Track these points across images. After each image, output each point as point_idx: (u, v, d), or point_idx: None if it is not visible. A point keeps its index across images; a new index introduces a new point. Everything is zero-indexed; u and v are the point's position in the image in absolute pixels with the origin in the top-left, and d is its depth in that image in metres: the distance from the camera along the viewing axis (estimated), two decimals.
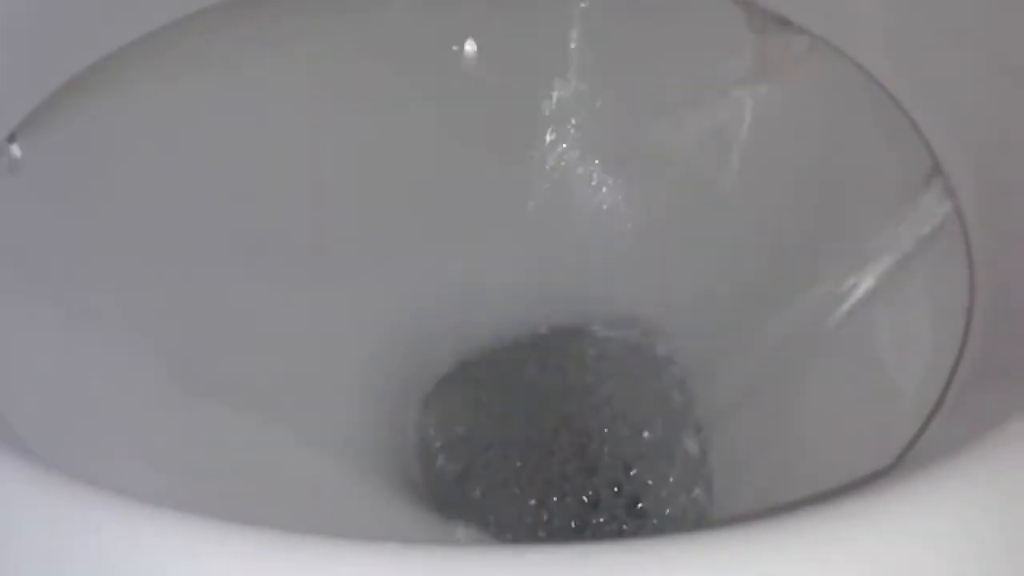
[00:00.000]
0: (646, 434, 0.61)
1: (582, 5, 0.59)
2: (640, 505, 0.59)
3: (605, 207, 0.64)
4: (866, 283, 0.50)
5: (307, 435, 0.51)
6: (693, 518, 0.58)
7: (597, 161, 0.63)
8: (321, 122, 0.57)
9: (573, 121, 0.62)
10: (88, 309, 0.45)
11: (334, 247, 0.58)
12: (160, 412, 0.46)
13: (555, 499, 0.59)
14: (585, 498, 0.59)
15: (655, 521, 0.58)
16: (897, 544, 0.23)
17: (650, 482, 0.60)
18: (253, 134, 0.54)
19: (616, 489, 0.59)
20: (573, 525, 0.58)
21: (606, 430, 0.62)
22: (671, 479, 0.59)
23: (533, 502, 0.59)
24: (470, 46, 0.59)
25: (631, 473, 0.60)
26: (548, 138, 0.62)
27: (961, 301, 0.41)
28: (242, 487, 0.45)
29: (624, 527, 0.58)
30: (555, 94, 0.61)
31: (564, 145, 0.63)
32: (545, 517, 0.59)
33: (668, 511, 0.58)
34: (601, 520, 0.59)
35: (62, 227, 0.45)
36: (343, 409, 0.57)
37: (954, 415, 0.35)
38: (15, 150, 0.42)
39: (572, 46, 0.60)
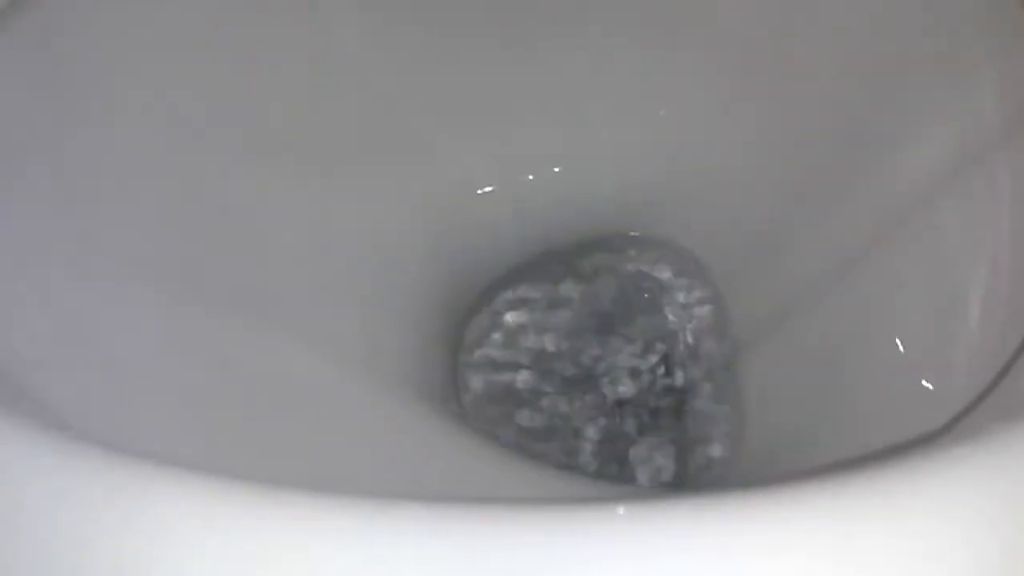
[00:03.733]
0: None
1: None
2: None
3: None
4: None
5: (331, 345, 0.50)
6: None
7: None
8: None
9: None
10: (86, 225, 0.43)
11: (345, 145, 0.55)
12: (167, 329, 0.44)
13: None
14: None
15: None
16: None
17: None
18: (252, 28, 0.51)
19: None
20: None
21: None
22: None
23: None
24: None
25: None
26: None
27: None
28: (256, 408, 0.43)
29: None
30: None
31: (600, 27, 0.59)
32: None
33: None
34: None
35: (50, 116, 0.43)
36: (372, 319, 0.55)
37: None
38: None
39: None
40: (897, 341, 0.46)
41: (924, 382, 0.42)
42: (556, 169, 0.63)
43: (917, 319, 0.45)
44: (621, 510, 0.23)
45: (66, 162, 0.43)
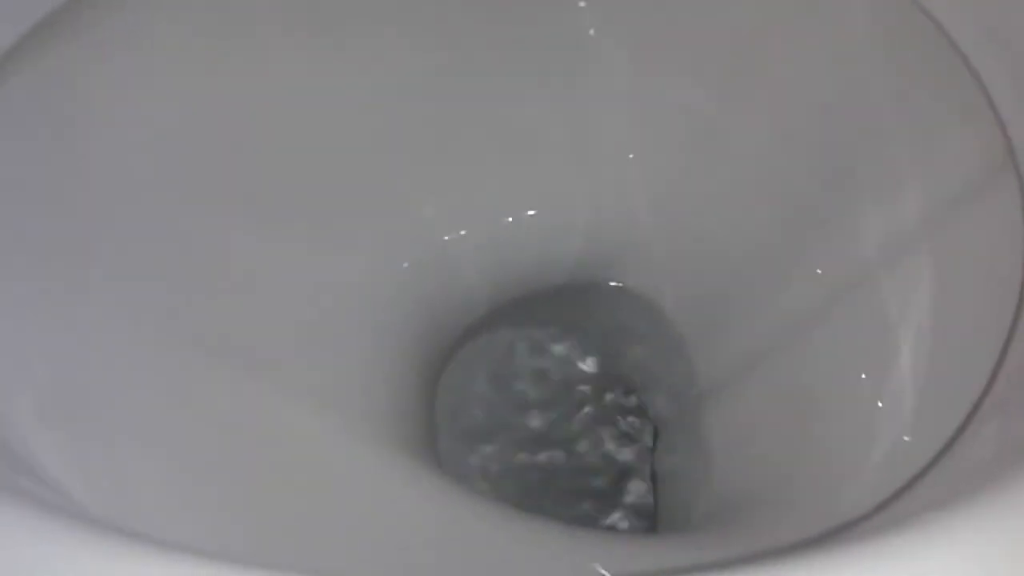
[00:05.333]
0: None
1: None
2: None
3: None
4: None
5: (312, 397, 0.50)
6: None
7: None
8: (320, 50, 0.55)
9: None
10: (77, 269, 0.43)
11: (333, 191, 0.56)
12: (152, 373, 0.44)
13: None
14: None
15: None
16: None
17: None
18: (245, 73, 0.52)
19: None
20: None
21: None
22: None
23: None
24: None
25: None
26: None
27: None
28: (243, 456, 0.44)
29: None
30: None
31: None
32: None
33: None
34: None
35: (40, 168, 0.44)
36: (349, 368, 0.55)
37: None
38: None
39: None
40: (852, 393, 0.48)
41: (890, 429, 0.44)
42: (509, 219, 0.64)
43: (868, 375, 0.48)
44: None
45: (56, 213, 0.43)
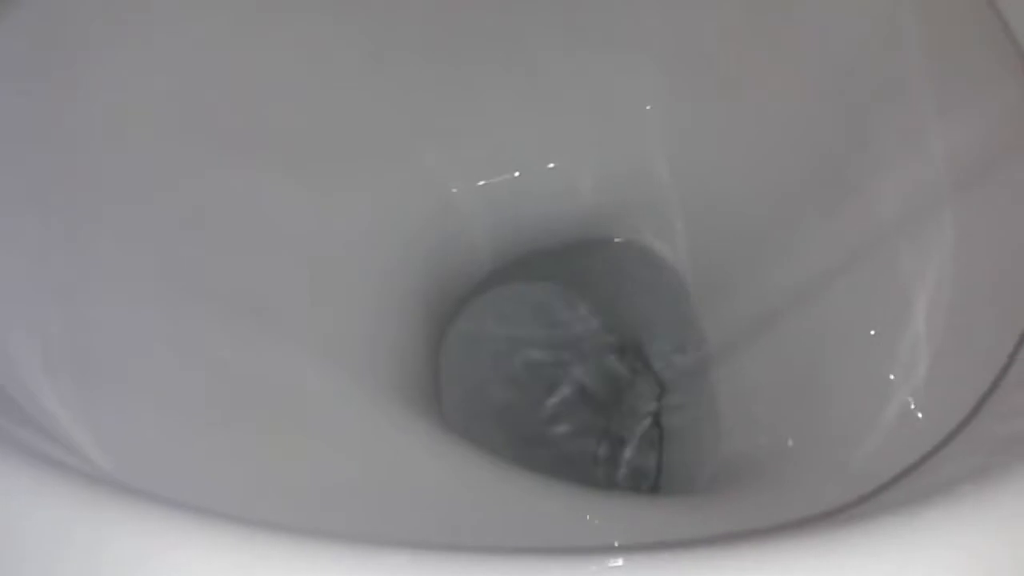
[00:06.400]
0: None
1: None
2: None
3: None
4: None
5: (320, 350, 0.50)
6: None
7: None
8: None
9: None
10: (83, 220, 0.43)
11: (341, 141, 0.55)
12: (159, 325, 0.44)
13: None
14: None
15: None
16: None
17: None
18: (254, 22, 0.51)
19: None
20: None
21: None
22: None
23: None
24: None
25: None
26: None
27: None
28: (246, 410, 0.44)
29: None
30: None
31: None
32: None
33: None
34: None
35: (48, 111, 0.43)
36: (355, 321, 0.55)
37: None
38: None
39: None
40: (864, 357, 0.47)
41: (901, 398, 0.43)
42: (521, 172, 0.62)
43: (880, 339, 0.47)
44: (620, 561, 0.23)
45: (65, 161, 0.43)
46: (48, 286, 0.39)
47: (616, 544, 0.25)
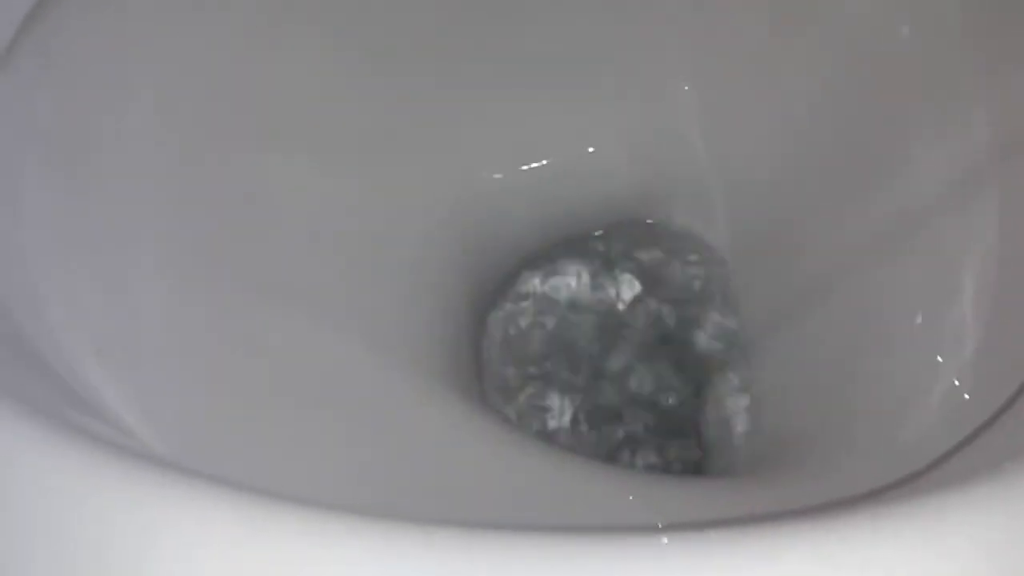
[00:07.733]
0: None
1: None
2: None
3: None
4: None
5: (362, 334, 0.51)
6: None
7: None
8: None
9: None
10: (112, 198, 0.43)
11: (384, 126, 0.56)
12: (202, 309, 0.45)
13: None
14: None
15: None
16: None
17: None
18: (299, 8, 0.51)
19: None
20: None
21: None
22: None
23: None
24: None
25: None
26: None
27: None
28: (291, 392, 0.44)
29: None
30: None
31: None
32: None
33: None
34: None
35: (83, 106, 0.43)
36: (396, 304, 0.55)
37: None
38: None
39: None
40: (909, 336, 0.47)
41: (947, 378, 0.43)
42: (562, 156, 0.63)
43: (926, 318, 0.46)
44: (665, 540, 0.23)
45: (103, 151, 0.43)
46: (99, 275, 0.40)
47: (660, 525, 0.24)
